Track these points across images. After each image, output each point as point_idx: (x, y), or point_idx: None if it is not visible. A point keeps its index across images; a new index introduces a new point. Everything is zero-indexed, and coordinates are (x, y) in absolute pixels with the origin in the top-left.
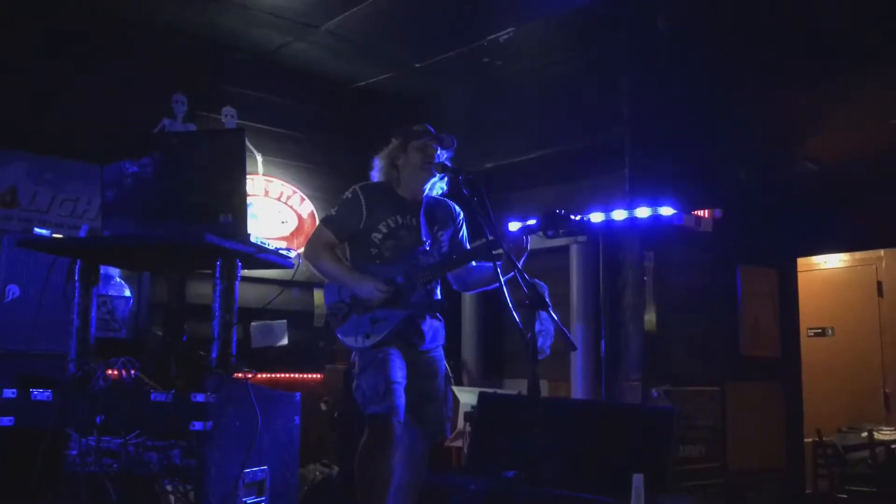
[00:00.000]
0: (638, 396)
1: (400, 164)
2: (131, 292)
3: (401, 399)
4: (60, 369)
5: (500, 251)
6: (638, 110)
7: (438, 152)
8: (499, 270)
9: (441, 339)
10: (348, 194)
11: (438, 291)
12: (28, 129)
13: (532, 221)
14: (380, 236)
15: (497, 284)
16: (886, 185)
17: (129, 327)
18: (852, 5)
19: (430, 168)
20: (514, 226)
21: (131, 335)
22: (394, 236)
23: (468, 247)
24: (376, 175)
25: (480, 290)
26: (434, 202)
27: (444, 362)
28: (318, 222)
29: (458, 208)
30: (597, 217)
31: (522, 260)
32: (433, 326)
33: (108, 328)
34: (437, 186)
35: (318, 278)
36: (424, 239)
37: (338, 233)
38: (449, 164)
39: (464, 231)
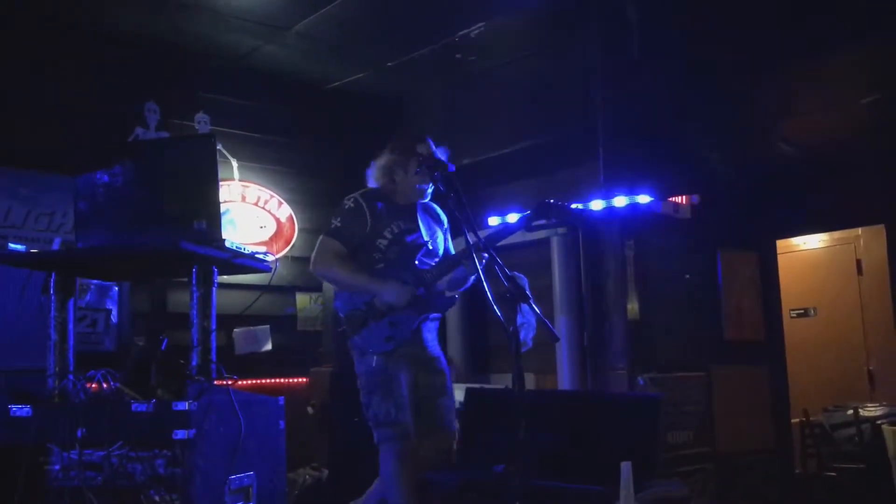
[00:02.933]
0: (624, 385)
1: (398, 180)
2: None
3: (410, 417)
4: (41, 385)
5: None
6: (610, 99)
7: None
8: (477, 263)
9: (436, 335)
10: (350, 204)
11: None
12: (1, 144)
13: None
14: (385, 242)
15: (468, 284)
16: (861, 163)
17: (111, 340)
18: None
19: (422, 193)
20: (493, 220)
21: (114, 347)
22: (399, 241)
23: (451, 250)
24: (372, 182)
25: (460, 289)
26: (426, 210)
27: (445, 360)
28: (295, 234)
29: (443, 214)
30: (575, 208)
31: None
32: (434, 328)
33: (89, 341)
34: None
35: (301, 282)
36: (428, 239)
37: (346, 242)
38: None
39: (447, 235)
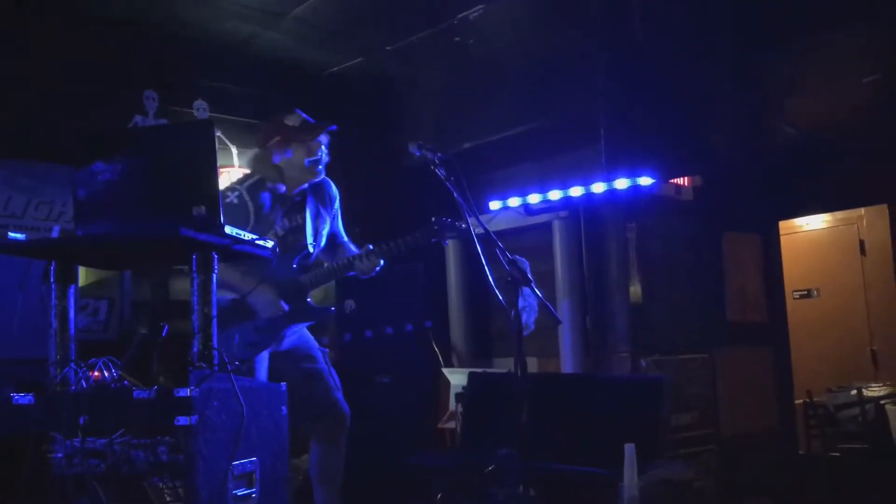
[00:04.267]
0: (627, 368)
1: (283, 166)
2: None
3: None
4: (42, 373)
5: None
6: (612, 81)
7: (322, 146)
8: (478, 248)
9: (310, 320)
10: (233, 199)
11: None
12: (0, 134)
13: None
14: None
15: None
16: (863, 143)
17: (113, 328)
18: None
19: (315, 168)
20: (494, 204)
21: (115, 336)
22: (282, 243)
23: (342, 233)
24: (249, 168)
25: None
26: (315, 189)
27: (313, 340)
28: None
29: (335, 190)
30: (576, 191)
31: None
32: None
33: (91, 330)
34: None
35: None
36: (311, 241)
37: None
38: (424, 145)
39: (339, 217)
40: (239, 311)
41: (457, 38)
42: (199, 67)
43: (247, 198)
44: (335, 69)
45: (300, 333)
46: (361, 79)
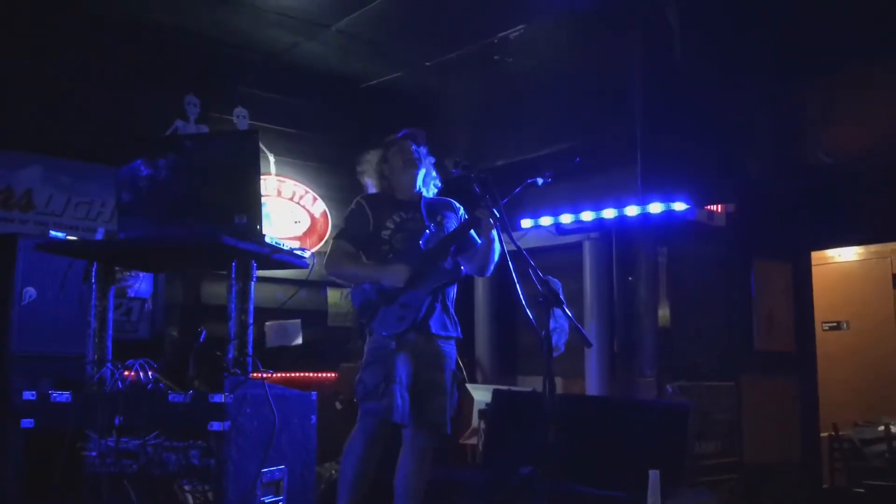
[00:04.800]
0: (653, 392)
1: (387, 173)
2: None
3: (400, 400)
4: (79, 371)
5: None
6: (650, 105)
7: (414, 148)
8: (511, 268)
9: (453, 331)
10: (353, 206)
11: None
12: (43, 132)
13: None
14: (388, 232)
15: (493, 255)
16: None
17: (145, 328)
18: None
19: (413, 163)
20: (526, 223)
21: (146, 336)
22: (402, 229)
23: (476, 238)
24: (372, 191)
25: (490, 264)
26: (433, 201)
27: (455, 358)
28: (329, 230)
29: (457, 204)
30: (609, 213)
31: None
32: (450, 315)
33: (123, 329)
34: (431, 186)
35: (331, 279)
36: (428, 224)
37: (353, 241)
38: (461, 162)
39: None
40: (384, 296)
41: (496, 57)
42: (241, 75)
43: (363, 202)
44: (374, 82)
45: (449, 345)
46: (399, 93)
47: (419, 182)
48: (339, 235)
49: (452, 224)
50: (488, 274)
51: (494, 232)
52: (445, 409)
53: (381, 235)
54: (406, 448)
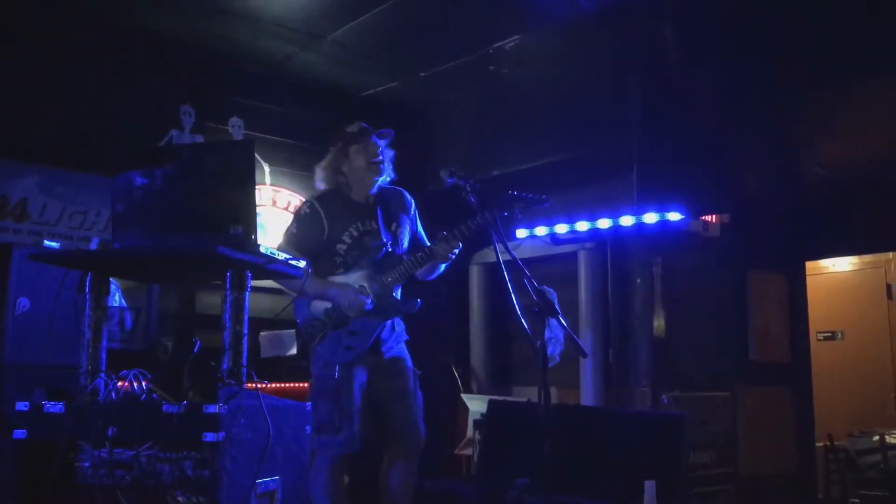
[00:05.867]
0: (648, 403)
1: (346, 171)
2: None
3: (358, 427)
4: (72, 381)
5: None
6: (645, 116)
7: (380, 148)
8: (506, 278)
9: (403, 335)
10: (305, 209)
11: (399, 291)
12: (37, 141)
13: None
14: (344, 247)
15: (437, 273)
16: (893, 187)
17: (138, 338)
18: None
19: (377, 168)
20: (521, 233)
21: (140, 346)
22: (359, 245)
23: (423, 236)
24: (321, 185)
25: (429, 277)
26: (386, 194)
27: (409, 359)
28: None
29: (408, 196)
30: (604, 223)
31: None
32: (394, 325)
33: (117, 339)
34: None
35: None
36: (385, 240)
37: (302, 251)
38: (457, 172)
39: (418, 222)
40: (334, 317)
41: (491, 67)
42: (236, 85)
43: (318, 207)
44: (370, 92)
45: (399, 348)
46: (395, 103)
47: (378, 183)
48: (288, 244)
49: (406, 231)
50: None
51: (443, 267)
52: (412, 410)
53: (335, 248)
54: (387, 458)
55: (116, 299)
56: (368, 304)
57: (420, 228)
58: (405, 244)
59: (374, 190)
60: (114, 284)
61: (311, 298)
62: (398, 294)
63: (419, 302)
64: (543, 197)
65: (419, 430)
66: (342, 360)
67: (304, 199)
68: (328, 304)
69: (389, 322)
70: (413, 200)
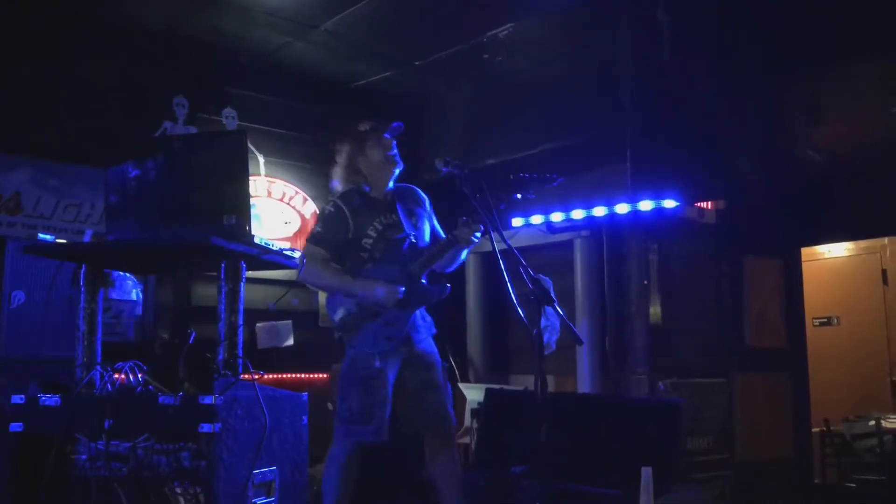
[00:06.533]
0: (644, 390)
1: (363, 167)
2: (139, 295)
3: (388, 418)
4: (68, 374)
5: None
6: (639, 102)
7: (394, 142)
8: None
9: (431, 329)
10: (330, 208)
11: (425, 278)
12: (31, 134)
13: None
14: (370, 241)
15: (458, 262)
16: (889, 172)
17: (135, 330)
18: None
19: (394, 160)
20: (517, 221)
21: (137, 338)
22: (383, 238)
23: (440, 230)
24: (339, 185)
25: (449, 268)
26: (401, 192)
27: (437, 353)
28: (306, 242)
29: (422, 193)
30: (600, 211)
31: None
32: (423, 317)
33: (112, 332)
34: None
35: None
36: (408, 232)
37: (329, 247)
38: (451, 161)
39: (434, 217)
40: (367, 311)
41: (485, 56)
42: (229, 76)
43: (342, 205)
44: (363, 82)
45: (428, 342)
46: (389, 92)
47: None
48: (316, 241)
49: (425, 224)
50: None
51: (464, 253)
52: (443, 403)
53: (361, 244)
54: (429, 449)
55: (134, 295)
56: (401, 292)
57: (436, 223)
58: (426, 237)
59: (391, 186)
60: (131, 278)
61: (336, 297)
62: (425, 280)
63: (448, 287)
64: (554, 175)
65: (451, 418)
66: (381, 349)
67: (329, 200)
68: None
69: (418, 313)
70: (427, 197)
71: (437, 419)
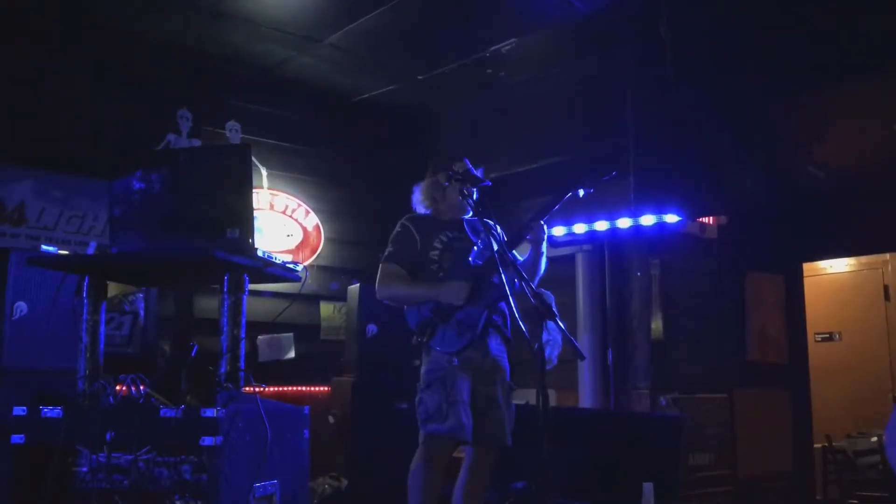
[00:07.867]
0: (646, 405)
1: (439, 199)
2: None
3: (466, 417)
4: (70, 386)
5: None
6: (642, 117)
7: (476, 192)
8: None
9: (505, 352)
10: (398, 229)
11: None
12: (35, 146)
13: None
14: (437, 253)
15: (540, 269)
16: (891, 188)
17: (137, 343)
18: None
19: (465, 206)
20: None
21: (138, 351)
22: (450, 248)
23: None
24: (419, 194)
25: (537, 277)
26: (472, 221)
27: (509, 373)
28: (321, 243)
29: (492, 222)
30: (602, 225)
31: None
32: (499, 343)
33: (114, 344)
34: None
35: (325, 291)
36: (474, 241)
37: (402, 263)
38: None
39: (503, 238)
40: (441, 312)
41: (488, 71)
42: (233, 89)
43: (407, 223)
44: (367, 96)
45: (503, 358)
46: (392, 106)
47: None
48: (388, 259)
49: (490, 239)
50: (534, 286)
51: (544, 245)
52: (505, 422)
53: (429, 256)
54: (467, 464)
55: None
56: (465, 289)
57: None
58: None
59: (463, 216)
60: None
61: (416, 303)
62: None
63: (551, 295)
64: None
65: (507, 439)
66: (457, 346)
67: (399, 222)
68: (432, 304)
69: (498, 318)
70: (498, 226)
71: (493, 437)
